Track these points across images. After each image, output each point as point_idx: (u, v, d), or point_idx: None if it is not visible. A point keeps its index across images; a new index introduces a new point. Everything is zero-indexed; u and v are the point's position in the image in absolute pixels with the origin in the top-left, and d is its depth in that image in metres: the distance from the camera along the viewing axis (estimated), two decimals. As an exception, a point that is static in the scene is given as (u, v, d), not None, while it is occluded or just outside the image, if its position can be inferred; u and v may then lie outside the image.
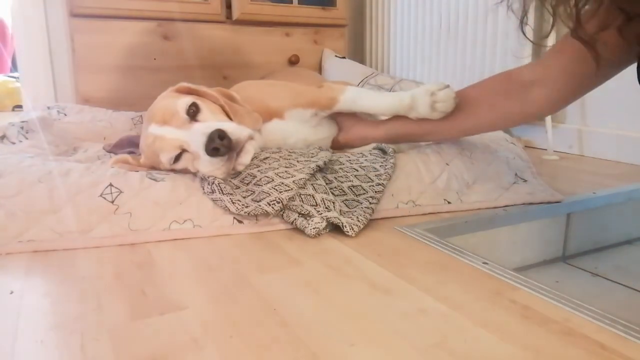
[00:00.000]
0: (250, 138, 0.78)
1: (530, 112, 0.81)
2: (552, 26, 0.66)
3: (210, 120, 0.79)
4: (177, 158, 0.78)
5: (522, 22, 0.68)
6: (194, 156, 0.77)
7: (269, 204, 0.70)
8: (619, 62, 0.69)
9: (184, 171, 0.79)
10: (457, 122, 0.84)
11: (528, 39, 0.73)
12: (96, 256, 0.63)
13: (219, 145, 0.72)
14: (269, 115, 0.92)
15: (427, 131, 0.87)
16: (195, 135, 0.75)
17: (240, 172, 0.77)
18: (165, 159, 0.78)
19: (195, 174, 0.78)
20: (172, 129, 0.78)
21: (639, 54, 0.63)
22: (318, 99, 0.93)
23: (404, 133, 0.89)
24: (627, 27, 0.60)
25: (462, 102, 0.83)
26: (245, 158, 0.77)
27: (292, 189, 0.71)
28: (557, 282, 0.87)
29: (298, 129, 0.94)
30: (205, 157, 0.74)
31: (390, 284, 0.54)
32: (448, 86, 0.84)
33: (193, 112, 0.79)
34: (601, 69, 0.66)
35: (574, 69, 0.73)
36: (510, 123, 0.88)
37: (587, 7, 0.61)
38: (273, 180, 0.73)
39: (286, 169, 0.76)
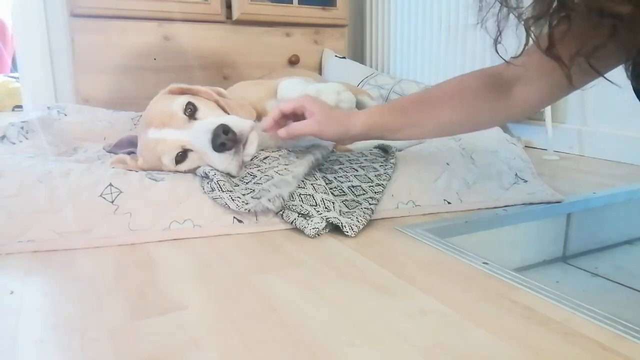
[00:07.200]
0: (253, 128, 0.78)
1: (513, 112, 0.78)
2: (525, 45, 0.65)
3: (210, 117, 0.79)
4: (181, 159, 0.78)
5: (496, 42, 0.67)
6: (199, 155, 0.76)
7: (270, 200, 0.70)
8: (597, 72, 0.67)
9: (188, 171, 0.79)
10: (434, 115, 0.79)
11: (502, 58, 0.71)
12: (96, 256, 0.63)
13: (225, 140, 0.72)
14: (257, 111, 0.92)
15: (403, 124, 0.80)
16: (199, 134, 0.75)
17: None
18: (168, 160, 0.78)
19: (194, 174, 0.78)
20: (172, 130, 0.77)
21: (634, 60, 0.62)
22: (273, 88, 0.97)
23: (380, 123, 0.80)
24: (615, 39, 0.58)
25: (441, 94, 0.79)
26: (251, 149, 0.77)
27: (291, 184, 0.71)
28: (558, 282, 0.87)
29: None
30: (213, 154, 0.73)
31: (390, 284, 0.54)
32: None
33: (191, 111, 0.79)
34: (577, 78, 0.65)
35: (551, 68, 0.71)
36: (493, 122, 0.84)
37: (560, 26, 0.60)
38: (273, 177, 0.73)
39: (285, 167, 0.76)
